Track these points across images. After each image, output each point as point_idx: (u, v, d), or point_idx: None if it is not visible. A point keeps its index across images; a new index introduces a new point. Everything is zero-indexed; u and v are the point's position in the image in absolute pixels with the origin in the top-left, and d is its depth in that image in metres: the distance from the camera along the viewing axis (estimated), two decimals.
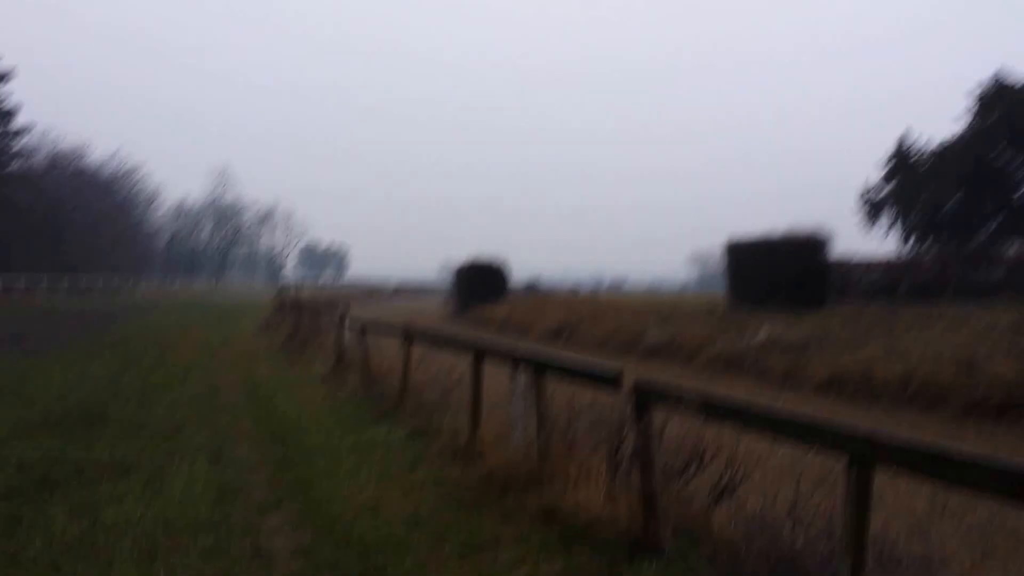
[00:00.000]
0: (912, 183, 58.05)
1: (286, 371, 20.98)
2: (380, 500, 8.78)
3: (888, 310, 32.12)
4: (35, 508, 8.33)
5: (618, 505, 7.48)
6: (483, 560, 6.97)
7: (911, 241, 58.78)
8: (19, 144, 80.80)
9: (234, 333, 35.24)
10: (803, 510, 6.79)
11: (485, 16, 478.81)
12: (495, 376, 11.14)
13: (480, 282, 50.75)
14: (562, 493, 8.09)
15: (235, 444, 11.86)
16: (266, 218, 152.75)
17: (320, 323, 25.81)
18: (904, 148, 59.91)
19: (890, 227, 60.36)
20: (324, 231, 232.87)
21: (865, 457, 5.08)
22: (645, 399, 7.08)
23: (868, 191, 61.59)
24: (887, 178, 60.55)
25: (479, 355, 11.17)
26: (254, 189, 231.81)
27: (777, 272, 34.08)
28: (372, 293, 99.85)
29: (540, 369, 9.29)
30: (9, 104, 76.36)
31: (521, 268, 58.80)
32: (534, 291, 70.54)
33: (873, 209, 60.96)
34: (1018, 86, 53.17)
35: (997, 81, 53.93)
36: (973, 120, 54.95)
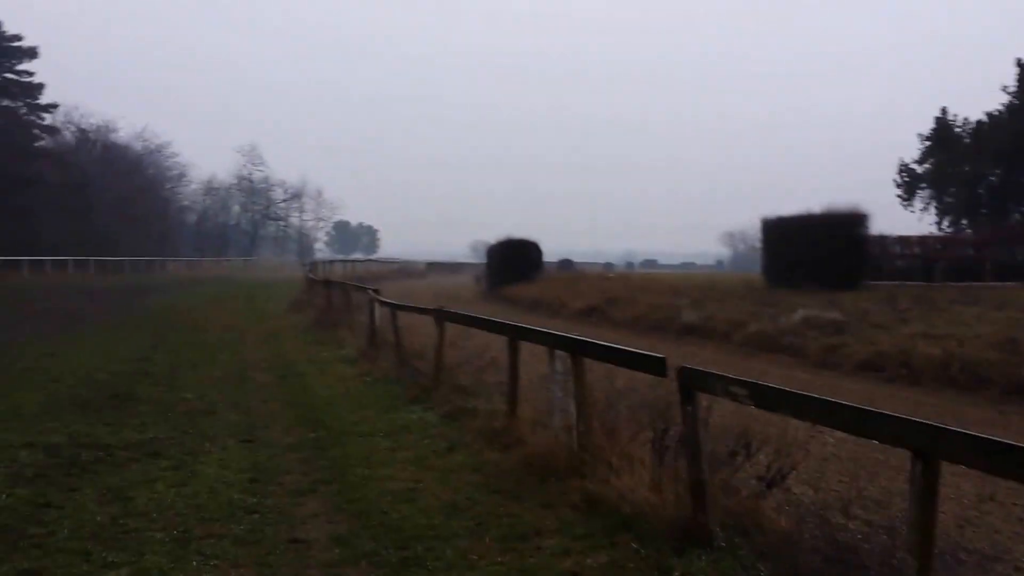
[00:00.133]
0: (950, 159, 57.25)
1: (317, 350, 20.82)
2: (417, 486, 8.60)
3: (925, 289, 31.67)
4: (63, 492, 8.19)
5: (664, 494, 7.19)
6: (526, 551, 6.73)
7: (947, 218, 58.03)
8: (47, 120, 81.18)
9: (264, 311, 35.17)
10: (858, 501, 6.53)
11: (518, 19, 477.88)
12: (529, 358, 10.93)
13: (513, 260, 50.04)
14: (604, 481, 7.82)
15: (267, 426, 11.71)
16: (296, 196, 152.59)
17: (351, 301, 25.57)
18: (943, 124, 59.03)
19: (927, 204, 59.58)
20: (356, 213, 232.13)
21: (931, 451, 4.80)
22: (692, 385, 6.79)
23: (905, 167, 60.77)
24: (925, 155, 59.74)
25: (516, 337, 10.88)
26: (284, 169, 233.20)
27: (814, 250, 33.52)
28: (404, 270, 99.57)
29: (579, 352, 9.01)
30: (36, 80, 76.66)
31: (552, 249, 58.34)
32: (568, 269, 70.15)
33: (910, 185, 60.17)
34: None
35: None
36: (1014, 96, 54.00)
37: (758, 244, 44.20)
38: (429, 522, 7.42)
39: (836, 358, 19.23)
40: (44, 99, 78.09)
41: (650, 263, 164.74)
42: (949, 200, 58.02)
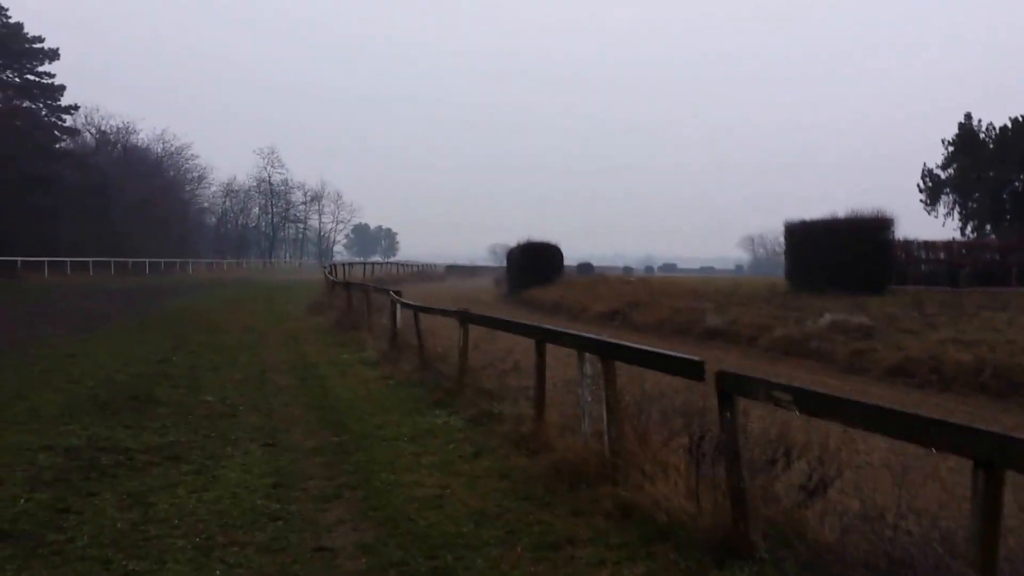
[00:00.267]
0: (974, 165, 56.88)
1: (338, 352, 20.63)
2: (444, 492, 8.37)
3: (952, 294, 31.37)
4: (83, 497, 7.99)
5: (702, 503, 6.94)
6: (559, 561, 6.50)
7: (971, 223, 57.66)
8: (67, 122, 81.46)
9: (284, 313, 35.07)
10: (907, 511, 6.25)
11: (542, 24, 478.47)
12: (552, 361, 10.73)
13: (534, 264, 49.92)
14: (638, 488, 7.57)
15: (289, 429, 11.51)
16: (315, 198, 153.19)
17: (371, 303, 25.39)
18: (966, 129, 58.67)
19: (950, 209, 59.25)
20: (375, 216, 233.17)
21: (995, 460, 4.53)
22: (732, 389, 6.54)
23: (928, 172, 60.47)
24: (948, 160, 59.43)
25: (544, 340, 10.65)
26: (303, 172, 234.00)
27: (839, 254, 33.30)
28: (423, 274, 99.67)
29: (611, 355, 8.76)
30: (57, 82, 76.79)
31: (571, 253, 58.19)
32: (587, 273, 70.00)
33: (933, 191, 59.84)
34: None
35: None
36: None
37: (779, 248, 44.05)
38: (458, 530, 7.19)
39: (864, 363, 18.97)
40: (65, 101, 78.40)
41: (669, 267, 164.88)
42: (973, 205, 57.69)
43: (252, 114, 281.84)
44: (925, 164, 60.75)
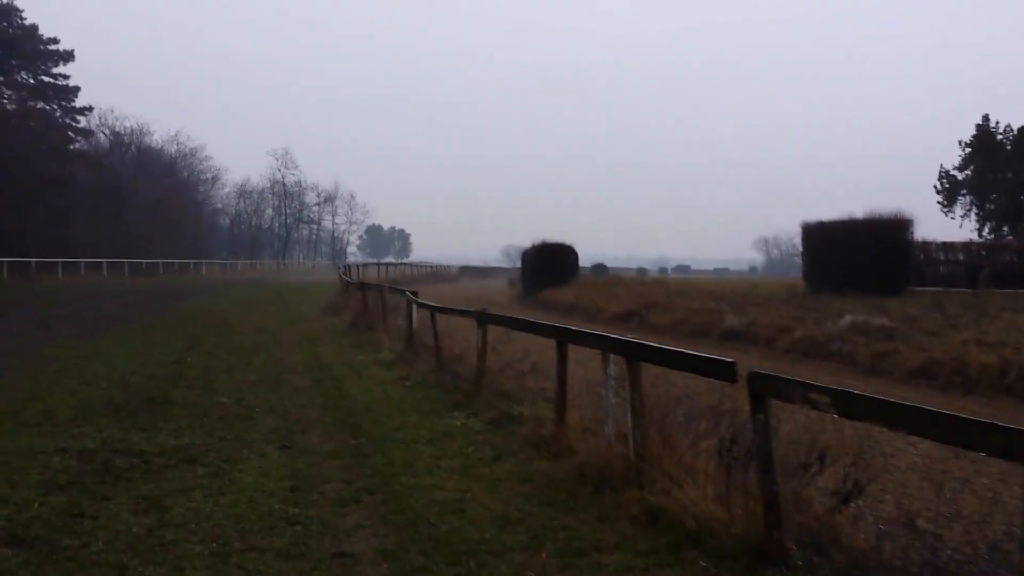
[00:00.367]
0: (992, 166, 56.55)
1: (354, 353, 20.47)
2: (465, 496, 8.19)
3: (972, 295, 31.04)
4: (97, 501, 7.83)
5: (732, 507, 6.73)
6: (586, 567, 6.31)
7: (989, 225, 57.33)
8: (82, 123, 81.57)
9: (298, 314, 34.97)
10: (947, 517, 6.05)
11: (550, 29, 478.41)
12: (575, 362, 10.50)
13: (549, 264, 49.63)
14: (665, 492, 7.36)
15: (305, 431, 11.34)
16: (329, 200, 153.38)
17: (386, 304, 25.23)
18: (984, 131, 58.34)
19: (967, 211, 58.95)
20: (388, 217, 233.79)
21: None
22: (765, 391, 6.33)
23: (945, 173, 60.17)
24: (966, 161, 59.11)
25: (566, 341, 10.44)
26: (317, 173, 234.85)
27: (858, 255, 33.04)
28: (437, 274, 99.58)
29: (636, 357, 8.55)
30: (71, 83, 76.92)
31: (584, 254, 57.92)
32: (601, 274, 69.77)
33: (950, 192, 59.54)
34: None
35: None
36: None
37: (793, 250, 43.77)
38: (480, 535, 7.01)
39: (886, 365, 18.73)
40: (79, 102, 78.43)
41: (683, 268, 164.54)
42: (990, 207, 57.36)
43: (267, 116, 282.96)
44: (942, 166, 60.60)
